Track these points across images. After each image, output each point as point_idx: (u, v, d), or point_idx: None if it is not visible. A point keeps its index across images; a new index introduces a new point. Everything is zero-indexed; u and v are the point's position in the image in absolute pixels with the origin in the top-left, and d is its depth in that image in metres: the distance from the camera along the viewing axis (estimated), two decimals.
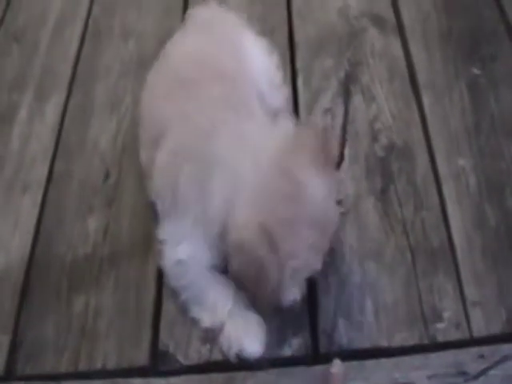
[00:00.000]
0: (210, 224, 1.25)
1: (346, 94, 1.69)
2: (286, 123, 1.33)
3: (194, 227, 1.28)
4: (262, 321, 1.29)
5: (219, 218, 1.23)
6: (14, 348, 1.35)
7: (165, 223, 1.33)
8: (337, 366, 1.23)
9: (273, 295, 1.22)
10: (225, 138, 1.28)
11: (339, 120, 1.59)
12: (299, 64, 1.78)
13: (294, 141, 1.24)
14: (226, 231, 1.22)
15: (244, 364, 1.27)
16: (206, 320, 1.31)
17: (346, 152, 1.51)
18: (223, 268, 1.30)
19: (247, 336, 1.27)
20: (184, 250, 1.29)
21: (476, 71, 1.69)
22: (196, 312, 1.32)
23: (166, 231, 1.32)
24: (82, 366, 1.31)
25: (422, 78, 1.71)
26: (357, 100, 1.69)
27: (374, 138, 1.60)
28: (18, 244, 1.51)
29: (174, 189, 1.29)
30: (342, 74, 1.74)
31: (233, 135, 1.29)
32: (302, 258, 1.20)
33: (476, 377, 1.22)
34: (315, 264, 1.24)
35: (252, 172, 1.22)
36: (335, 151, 1.24)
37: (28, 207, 1.58)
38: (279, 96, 1.58)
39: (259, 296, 1.25)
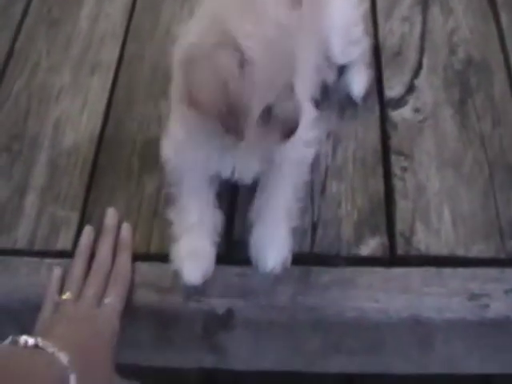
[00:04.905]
0: None
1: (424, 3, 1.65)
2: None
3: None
4: (214, 253, 1.22)
5: None
6: (82, 225, 1.32)
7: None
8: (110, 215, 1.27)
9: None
10: None
11: (417, 29, 1.57)
12: None
13: None
14: None
15: (320, 259, 1.25)
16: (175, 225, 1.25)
17: (424, 61, 1.50)
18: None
19: (189, 262, 1.19)
20: (177, 146, 1.22)
21: None
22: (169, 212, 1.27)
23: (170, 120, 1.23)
24: (154, 248, 1.29)
25: None
26: (434, 12, 1.65)
27: (452, 50, 1.57)
28: (87, 123, 1.48)
29: None
30: None
31: None
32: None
33: None
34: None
35: None
36: None
37: (97, 88, 1.54)
38: (354, 51, 1.46)
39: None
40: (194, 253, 1.20)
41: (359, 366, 1.27)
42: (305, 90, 1.25)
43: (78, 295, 1.18)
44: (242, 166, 1.23)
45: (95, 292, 1.18)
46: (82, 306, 1.17)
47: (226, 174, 1.24)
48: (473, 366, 1.27)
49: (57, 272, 1.23)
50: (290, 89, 1.10)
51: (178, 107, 1.18)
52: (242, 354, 1.27)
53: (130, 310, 1.20)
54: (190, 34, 1.08)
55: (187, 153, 1.22)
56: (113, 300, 1.17)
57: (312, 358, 1.27)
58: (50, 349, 1.00)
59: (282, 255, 1.20)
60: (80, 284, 1.20)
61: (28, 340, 1.01)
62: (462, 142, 1.41)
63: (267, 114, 1.08)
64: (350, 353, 1.25)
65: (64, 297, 1.18)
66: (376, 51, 1.56)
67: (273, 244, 1.21)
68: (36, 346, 1.01)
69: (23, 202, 1.37)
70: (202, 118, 1.09)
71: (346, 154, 1.40)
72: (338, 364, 1.27)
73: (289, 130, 1.12)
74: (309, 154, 1.29)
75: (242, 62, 1.00)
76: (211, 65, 1.02)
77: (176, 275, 1.21)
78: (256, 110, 1.05)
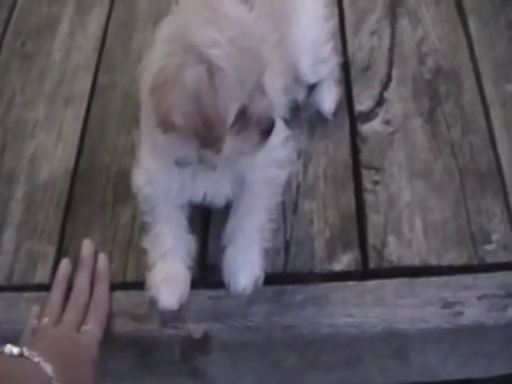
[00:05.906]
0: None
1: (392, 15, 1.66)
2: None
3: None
4: (189, 278, 1.25)
5: None
6: (59, 258, 1.34)
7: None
8: (87, 246, 1.28)
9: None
10: None
11: (386, 41, 1.59)
12: None
13: None
14: None
15: (294, 277, 1.26)
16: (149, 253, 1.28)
17: (394, 73, 1.51)
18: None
19: (165, 287, 1.21)
20: (149, 176, 1.25)
21: None
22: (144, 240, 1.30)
23: (140, 150, 1.26)
24: (130, 277, 1.31)
25: (467, 3, 1.68)
26: (403, 23, 1.66)
27: (421, 60, 1.58)
28: (62, 156, 1.50)
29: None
30: None
31: None
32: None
33: None
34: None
35: None
36: None
37: (71, 119, 1.56)
38: (323, 69, 1.47)
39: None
40: (169, 279, 1.22)
41: (338, 380, 1.28)
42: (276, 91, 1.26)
43: (57, 321, 1.19)
44: (214, 190, 1.25)
45: (74, 317, 1.19)
46: (62, 329, 1.17)
47: (197, 199, 1.26)
48: (452, 372, 1.29)
49: (35, 308, 1.23)
50: (260, 87, 1.12)
51: (149, 137, 1.20)
52: (221, 376, 1.28)
53: (108, 339, 1.21)
54: (156, 59, 1.10)
55: (159, 182, 1.24)
56: (92, 328, 1.18)
57: (291, 376, 1.28)
58: (36, 358, 1.02)
59: (253, 276, 1.22)
60: (58, 311, 1.21)
61: (13, 349, 1.02)
62: (432, 151, 1.42)
63: (242, 117, 1.09)
64: (328, 368, 1.27)
65: (42, 322, 1.19)
66: (345, 67, 1.58)
67: (244, 265, 1.22)
68: (21, 355, 1.02)
69: (1, 238, 1.38)
70: (178, 141, 1.11)
71: (316, 171, 1.41)
72: (316, 380, 1.29)
73: (265, 129, 1.13)
74: (281, 174, 1.30)
75: (211, 71, 1.02)
76: (180, 85, 1.03)
77: (152, 302, 1.22)
78: (231, 114, 1.07)
